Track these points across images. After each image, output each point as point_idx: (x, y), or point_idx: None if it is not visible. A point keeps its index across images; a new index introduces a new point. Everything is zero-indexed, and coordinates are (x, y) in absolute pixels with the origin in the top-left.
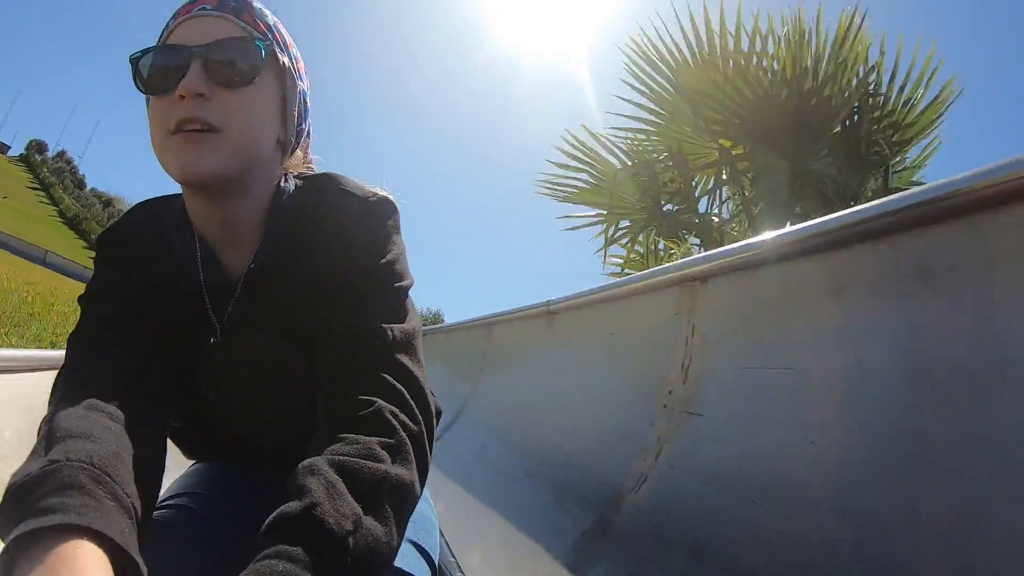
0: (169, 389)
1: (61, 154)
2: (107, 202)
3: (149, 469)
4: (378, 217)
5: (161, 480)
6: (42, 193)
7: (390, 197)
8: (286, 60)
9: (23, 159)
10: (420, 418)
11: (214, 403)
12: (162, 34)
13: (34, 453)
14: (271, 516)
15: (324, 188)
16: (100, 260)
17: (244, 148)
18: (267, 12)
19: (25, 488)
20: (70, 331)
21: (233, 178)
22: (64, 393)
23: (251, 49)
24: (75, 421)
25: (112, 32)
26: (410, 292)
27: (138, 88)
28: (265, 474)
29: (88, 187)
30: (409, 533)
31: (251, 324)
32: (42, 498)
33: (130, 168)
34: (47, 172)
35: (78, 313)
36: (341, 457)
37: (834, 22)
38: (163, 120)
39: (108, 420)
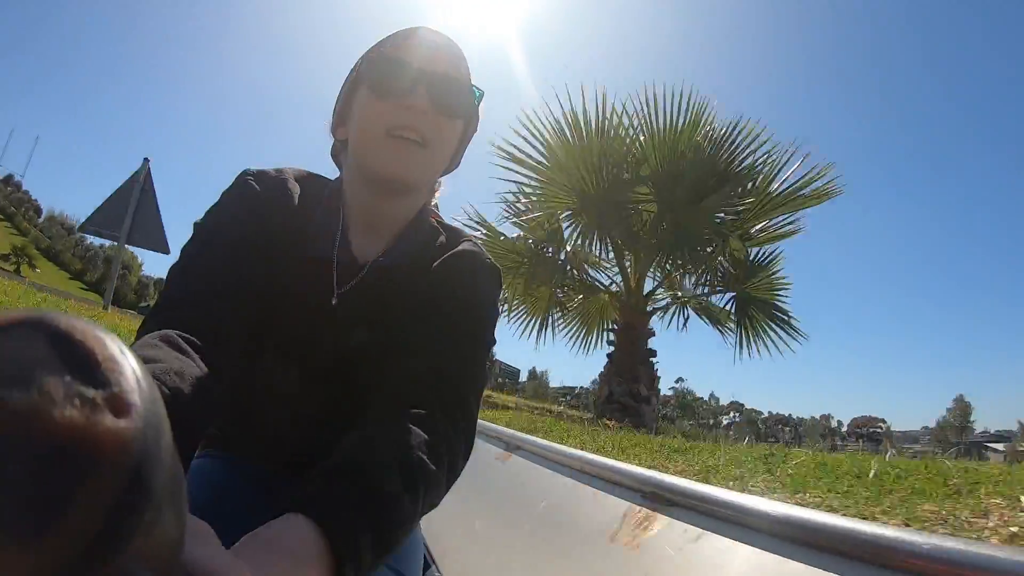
0: (240, 355)
1: (8, 179)
2: (70, 229)
3: (205, 407)
4: (494, 280)
5: (208, 425)
6: (6, 223)
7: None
8: (480, 109)
9: None
10: (463, 446)
11: (277, 382)
12: (383, 44)
13: None
14: (327, 461)
15: (459, 234)
16: (235, 194)
17: (436, 167)
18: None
19: None
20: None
21: (419, 186)
22: (147, 330)
23: (469, 92)
24: (146, 349)
25: (35, 47)
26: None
27: (365, 85)
28: (275, 480)
29: (44, 212)
30: (393, 560)
31: (364, 310)
32: None
33: (70, 181)
34: (7, 202)
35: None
36: (396, 436)
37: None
38: (381, 119)
39: (180, 356)
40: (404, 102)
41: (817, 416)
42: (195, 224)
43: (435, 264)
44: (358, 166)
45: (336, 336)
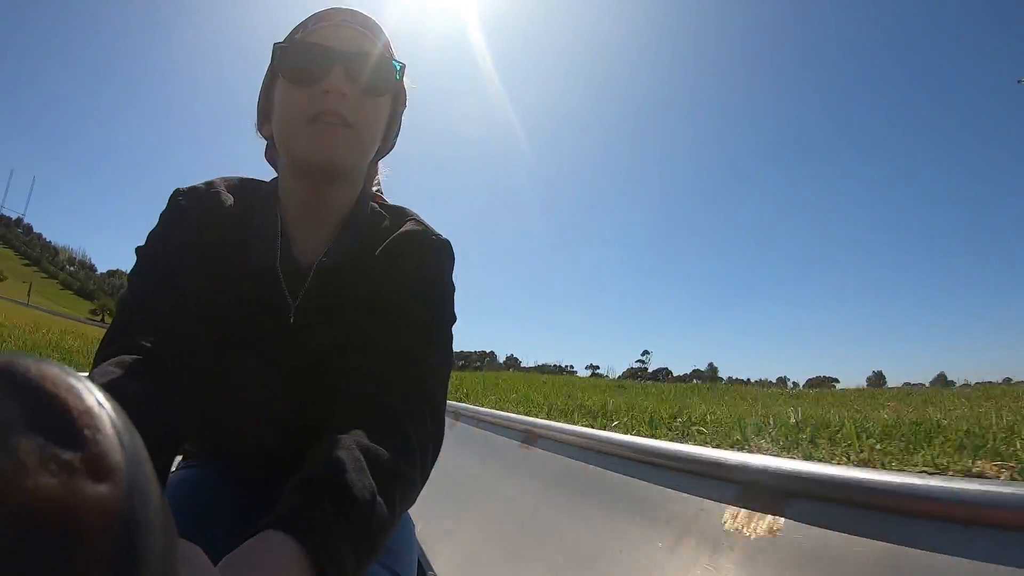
0: (205, 370)
1: (18, 222)
2: (91, 267)
3: (173, 428)
4: (443, 254)
5: (180, 445)
6: (33, 267)
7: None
8: (406, 83)
9: None
10: (432, 443)
11: (248, 390)
12: (296, 32)
13: None
14: (298, 476)
15: (402, 214)
16: (171, 215)
17: (365, 147)
18: (385, 31)
19: None
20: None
21: (349, 170)
22: (102, 359)
23: (389, 67)
24: (105, 378)
25: (33, 85)
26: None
27: (281, 75)
28: (256, 483)
29: (59, 251)
30: (384, 559)
31: (320, 315)
32: None
33: (68, 215)
34: (26, 246)
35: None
36: (363, 442)
37: None
38: (301, 107)
39: (140, 379)
40: (321, 86)
41: (773, 379)
42: (136, 250)
43: (379, 251)
44: (286, 158)
45: (297, 345)
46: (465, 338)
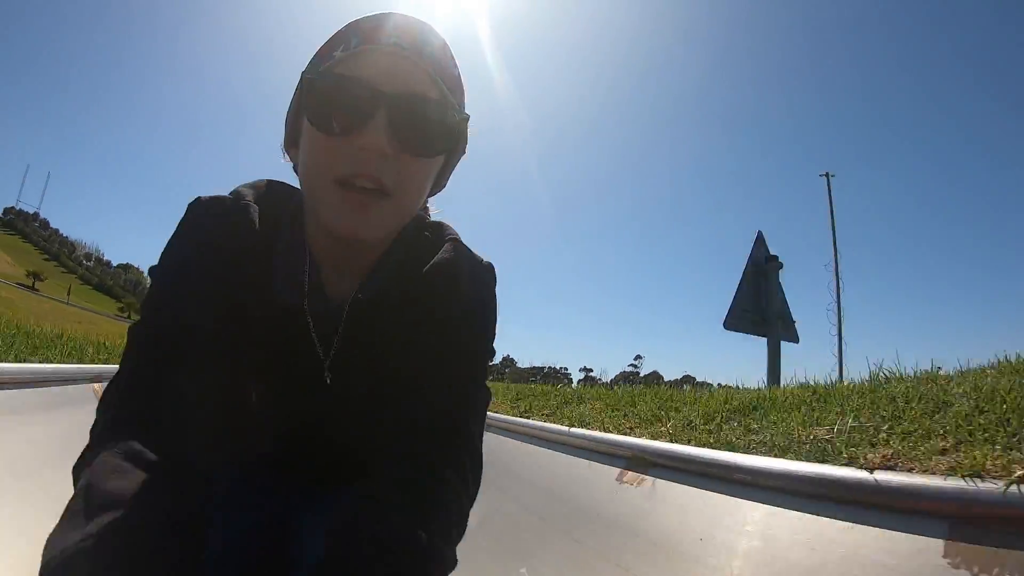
0: (224, 404)
1: (35, 216)
2: (106, 263)
3: (189, 539)
4: (488, 285)
5: (202, 542)
6: (53, 262)
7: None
8: (469, 129)
9: (9, 225)
10: (471, 488)
11: (271, 428)
12: (333, 47)
13: (71, 513)
14: (330, 553)
15: (442, 239)
16: (191, 233)
17: (407, 214)
18: (453, 56)
19: (66, 567)
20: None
21: (383, 240)
22: (110, 427)
23: (448, 119)
24: (114, 480)
25: (49, 81)
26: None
27: (305, 116)
28: (293, 499)
29: (76, 248)
30: None
31: (359, 362)
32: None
33: (81, 212)
34: (45, 241)
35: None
36: (394, 527)
37: None
38: (331, 164)
39: (149, 476)
40: (356, 140)
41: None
42: (151, 270)
43: (416, 280)
44: (311, 210)
45: (329, 401)
46: None
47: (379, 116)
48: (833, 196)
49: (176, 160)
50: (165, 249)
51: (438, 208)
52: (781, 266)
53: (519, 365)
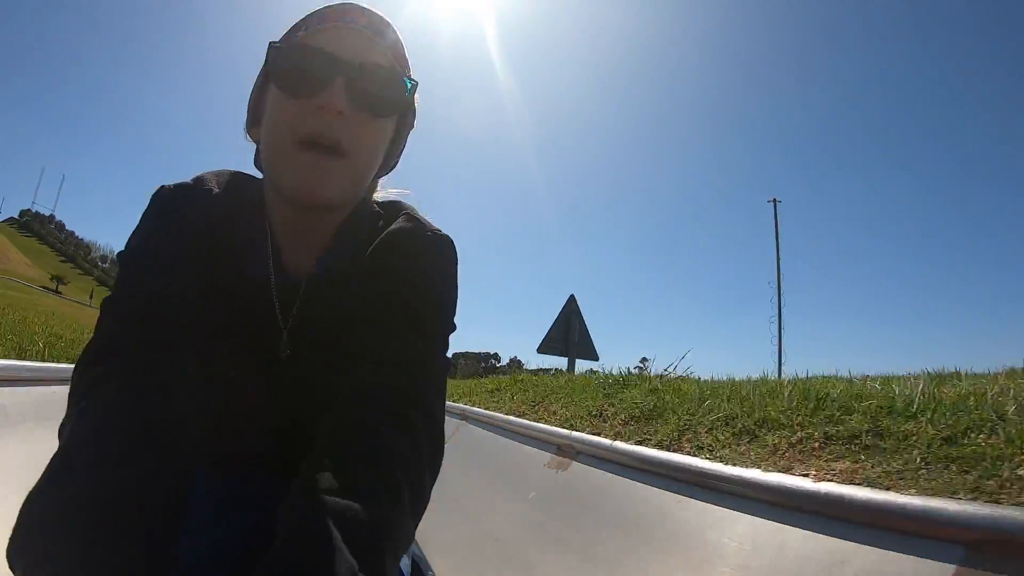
0: (195, 375)
1: (51, 219)
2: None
3: (164, 503)
4: (445, 255)
5: (181, 511)
6: (69, 264)
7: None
8: (416, 98)
9: (26, 227)
10: (430, 459)
11: (238, 396)
12: (297, 29)
13: (53, 473)
14: (266, 561)
15: (397, 213)
16: (156, 214)
17: (361, 177)
18: (401, 37)
19: (41, 524)
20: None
21: (339, 203)
22: (91, 389)
23: (398, 85)
24: (97, 442)
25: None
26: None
27: (272, 80)
28: (244, 484)
29: (92, 251)
30: None
31: (315, 338)
32: (53, 542)
33: (96, 215)
34: (62, 244)
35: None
36: (343, 503)
37: None
38: (293, 124)
39: (127, 444)
40: (316, 100)
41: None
42: (119, 255)
43: (369, 252)
44: (271, 180)
45: (289, 367)
46: (471, 340)
47: (337, 81)
48: (779, 219)
49: (188, 157)
50: (134, 233)
51: (390, 189)
52: (579, 314)
53: (527, 367)
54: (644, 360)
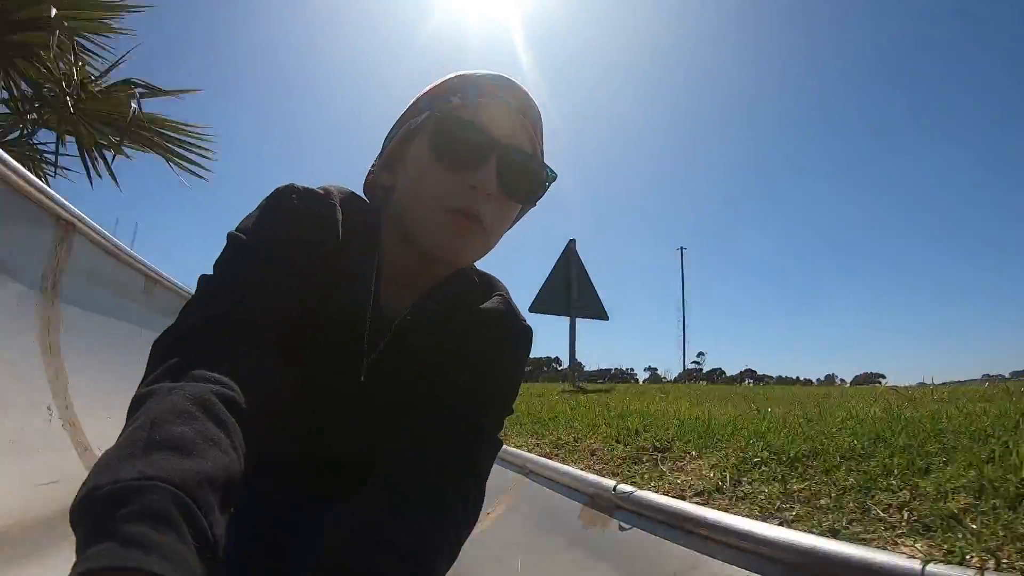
0: (282, 404)
1: None
2: None
3: (230, 490)
4: (524, 346)
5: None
6: None
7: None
8: (548, 187)
9: None
10: (470, 517)
11: (303, 416)
12: (451, 93)
13: (133, 441)
14: (327, 560)
15: (491, 286)
16: (280, 213)
17: (488, 249)
18: (542, 117)
19: (114, 498)
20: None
21: (465, 266)
22: (180, 362)
23: (541, 175)
24: (176, 423)
25: None
26: None
27: (428, 147)
28: (280, 505)
29: None
30: None
31: (390, 374)
32: (127, 520)
33: (174, 257)
34: None
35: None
36: (384, 545)
37: None
38: (445, 195)
39: (212, 427)
40: (470, 179)
41: (822, 376)
42: (230, 235)
43: (462, 318)
44: (404, 229)
45: (361, 398)
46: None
47: (491, 162)
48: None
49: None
50: (250, 222)
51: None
52: (581, 264)
53: (586, 368)
54: (700, 354)
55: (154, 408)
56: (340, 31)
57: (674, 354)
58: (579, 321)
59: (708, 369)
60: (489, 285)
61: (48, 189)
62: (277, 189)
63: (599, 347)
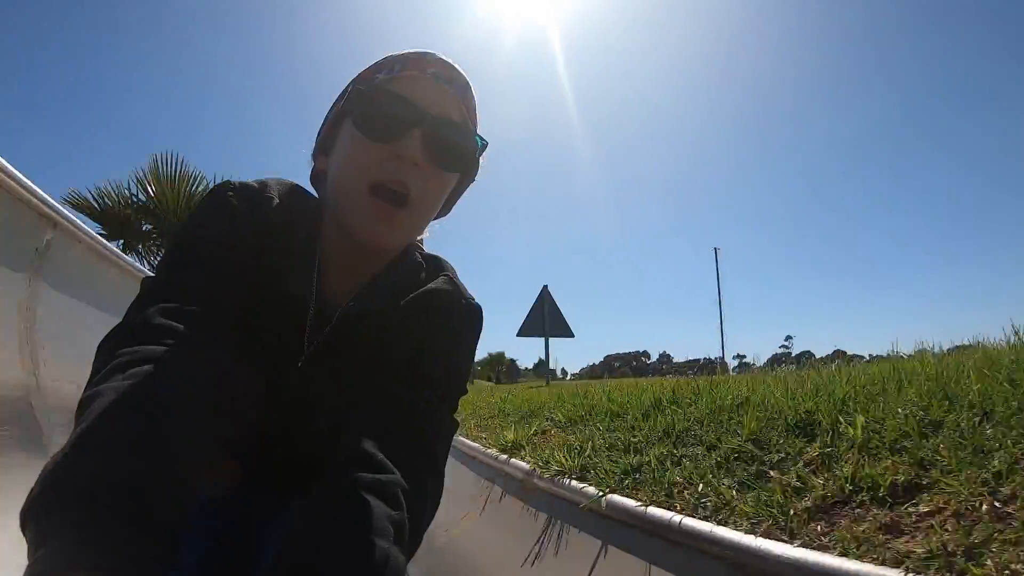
0: (221, 399)
1: None
2: None
3: (186, 483)
4: (473, 324)
5: (193, 496)
6: None
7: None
8: (483, 157)
9: None
10: (428, 506)
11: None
12: (377, 70)
13: (77, 449)
14: (278, 557)
15: (438, 271)
16: (216, 211)
17: (420, 226)
18: (474, 92)
19: (63, 500)
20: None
21: (396, 249)
22: (125, 361)
23: (471, 142)
24: (124, 421)
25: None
26: None
27: (352, 121)
28: (224, 495)
29: None
30: None
31: (336, 368)
32: (79, 521)
33: None
34: None
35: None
36: (346, 531)
37: None
38: (368, 168)
39: (162, 423)
40: (395, 148)
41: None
42: (172, 237)
43: (405, 302)
44: (335, 214)
45: (299, 386)
46: (623, 338)
47: (416, 131)
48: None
49: None
50: (189, 222)
51: (429, 234)
52: (552, 302)
53: (675, 360)
54: (789, 338)
55: (100, 408)
56: (377, 33)
57: (762, 337)
58: (668, 316)
59: (797, 352)
60: (436, 266)
61: (35, 188)
62: (214, 187)
63: (692, 337)
